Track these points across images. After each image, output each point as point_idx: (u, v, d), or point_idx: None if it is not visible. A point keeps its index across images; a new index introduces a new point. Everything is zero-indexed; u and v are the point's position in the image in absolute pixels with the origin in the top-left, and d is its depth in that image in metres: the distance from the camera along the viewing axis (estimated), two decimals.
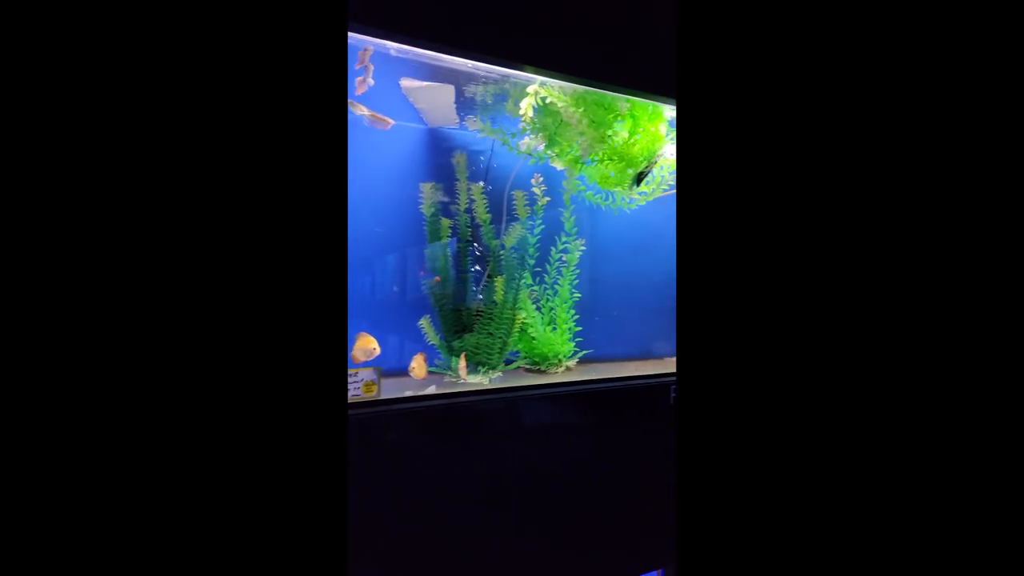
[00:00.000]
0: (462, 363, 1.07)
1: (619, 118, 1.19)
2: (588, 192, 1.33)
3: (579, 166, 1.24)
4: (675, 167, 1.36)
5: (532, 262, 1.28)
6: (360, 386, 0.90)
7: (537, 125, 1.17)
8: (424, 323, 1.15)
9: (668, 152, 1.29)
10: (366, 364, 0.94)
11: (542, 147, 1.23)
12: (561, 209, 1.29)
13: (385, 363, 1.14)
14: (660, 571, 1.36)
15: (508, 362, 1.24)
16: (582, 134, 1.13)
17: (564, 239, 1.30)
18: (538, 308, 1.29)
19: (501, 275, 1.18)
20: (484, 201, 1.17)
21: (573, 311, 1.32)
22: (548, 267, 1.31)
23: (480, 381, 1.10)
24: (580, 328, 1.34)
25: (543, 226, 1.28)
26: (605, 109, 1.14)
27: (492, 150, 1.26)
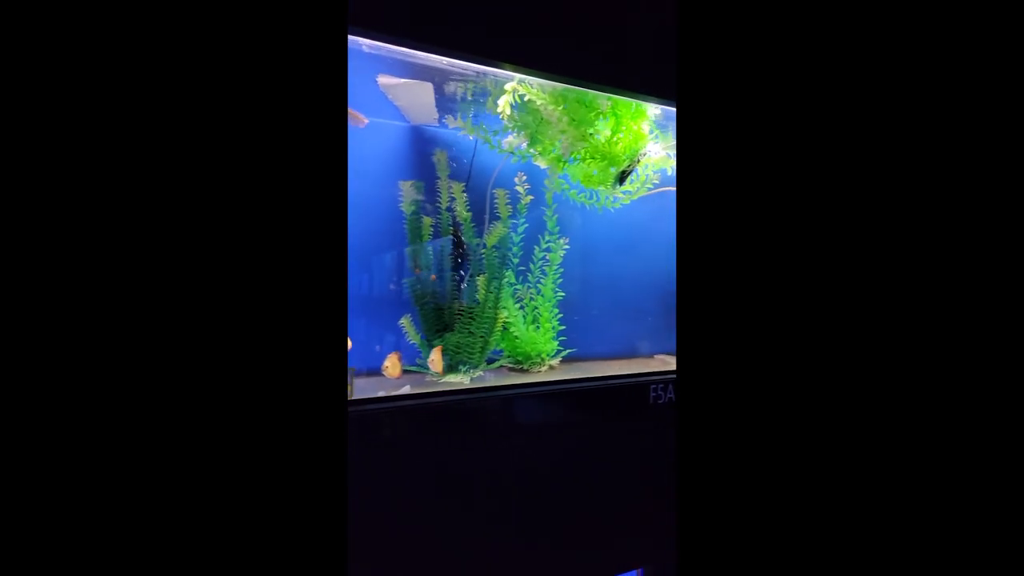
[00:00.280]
0: (433, 355, 1.06)
1: (601, 116, 1.18)
2: (572, 191, 1.33)
3: (561, 165, 1.23)
4: (659, 166, 1.35)
5: (516, 261, 1.27)
6: None
7: (519, 123, 1.16)
8: (405, 322, 1.15)
9: (651, 151, 1.29)
10: None
11: (525, 145, 1.22)
12: (543, 208, 1.28)
13: (364, 363, 1.14)
14: (639, 571, 1.37)
15: (490, 361, 1.23)
16: (563, 132, 1.13)
17: (547, 238, 1.30)
18: (521, 307, 1.28)
19: (483, 274, 1.17)
20: (465, 199, 1.16)
21: (557, 310, 1.31)
22: (532, 266, 1.30)
23: (460, 380, 1.10)
24: (564, 327, 1.33)
25: (527, 225, 1.27)
26: (586, 107, 1.14)
27: (475, 148, 1.25)
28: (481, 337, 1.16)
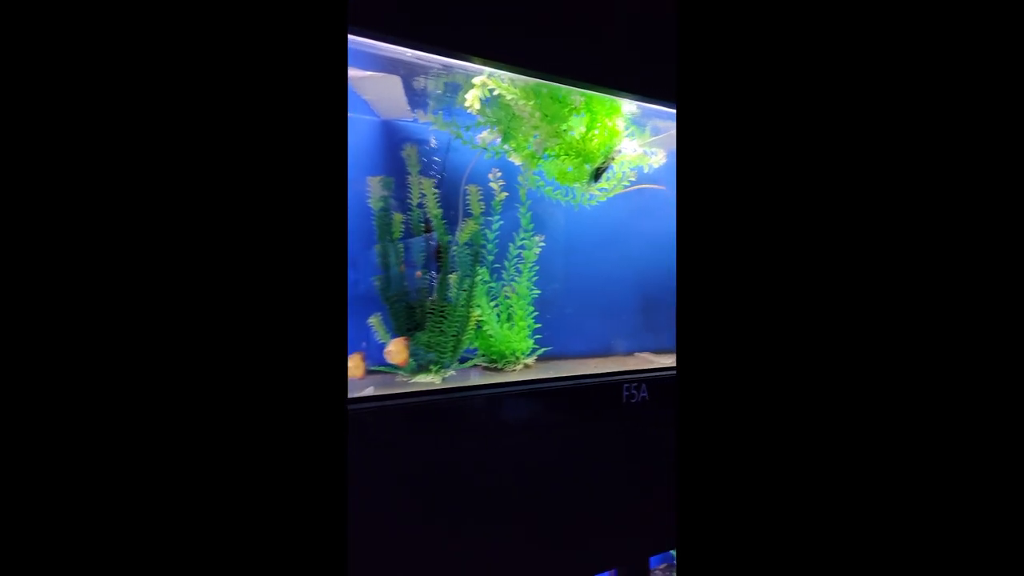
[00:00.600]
0: (391, 347, 1.04)
1: (575, 112, 1.16)
2: (548, 188, 1.31)
3: (535, 161, 1.22)
4: (635, 163, 1.34)
5: (491, 258, 1.26)
6: None
7: (491, 118, 1.14)
8: (374, 321, 1.12)
9: (626, 148, 1.28)
10: None
11: (499, 141, 1.20)
12: (517, 205, 1.27)
13: None
14: (613, 571, 1.36)
15: (463, 360, 1.22)
16: (536, 128, 1.11)
17: (522, 235, 1.28)
18: (496, 305, 1.27)
19: (455, 272, 1.15)
20: (436, 196, 1.14)
21: (532, 308, 1.30)
22: (507, 263, 1.29)
23: (432, 380, 1.08)
24: (539, 325, 1.32)
25: (502, 222, 1.26)
26: (560, 103, 1.12)
27: (448, 144, 1.23)
28: (453, 336, 1.14)
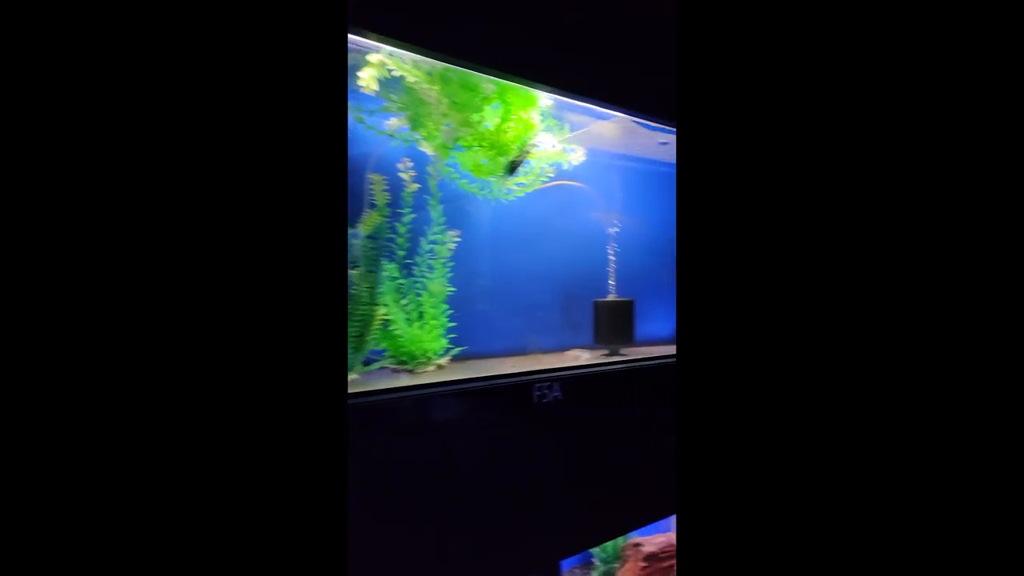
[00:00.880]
0: None
1: (489, 102, 1.12)
2: (463, 181, 1.26)
3: (447, 151, 1.16)
4: (554, 159, 1.32)
5: (402, 254, 1.18)
6: None
7: (398, 104, 1.07)
8: None
9: (544, 143, 1.25)
10: None
11: (408, 128, 1.13)
12: (427, 197, 1.20)
13: None
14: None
15: (368, 362, 1.13)
16: (445, 116, 1.05)
17: (435, 229, 1.22)
18: (407, 303, 1.19)
19: (357, 267, 1.07)
20: None
21: (446, 306, 1.24)
22: (418, 259, 1.22)
23: None
24: (455, 324, 1.26)
25: (414, 215, 1.18)
26: (471, 91, 1.07)
27: (351, 129, 1.15)
28: (355, 336, 1.06)
